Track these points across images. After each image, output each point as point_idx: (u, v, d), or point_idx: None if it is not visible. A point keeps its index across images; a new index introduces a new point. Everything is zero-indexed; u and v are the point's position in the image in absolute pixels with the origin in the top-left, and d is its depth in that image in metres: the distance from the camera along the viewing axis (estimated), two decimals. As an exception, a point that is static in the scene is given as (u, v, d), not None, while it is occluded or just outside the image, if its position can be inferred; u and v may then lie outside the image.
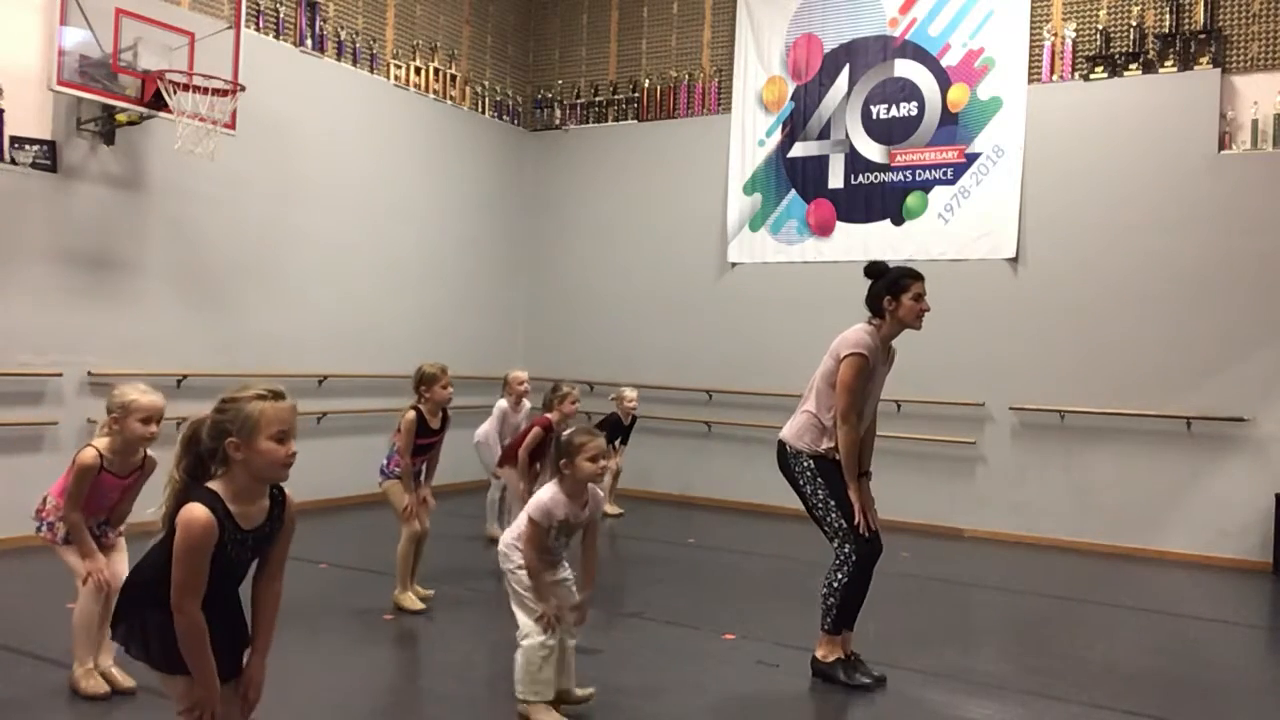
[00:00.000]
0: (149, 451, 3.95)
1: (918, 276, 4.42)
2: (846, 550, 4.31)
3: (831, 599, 4.35)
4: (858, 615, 4.45)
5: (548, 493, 3.68)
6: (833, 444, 4.30)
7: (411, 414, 5.26)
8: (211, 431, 2.38)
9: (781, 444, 4.48)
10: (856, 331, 4.35)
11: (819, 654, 4.42)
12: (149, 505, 2.51)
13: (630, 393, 8.50)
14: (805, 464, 4.36)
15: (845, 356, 4.27)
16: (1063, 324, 8.23)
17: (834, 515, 4.31)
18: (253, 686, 2.49)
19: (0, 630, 4.66)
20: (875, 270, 4.48)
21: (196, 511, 2.31)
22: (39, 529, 3.96)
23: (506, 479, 6.76)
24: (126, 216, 7.21)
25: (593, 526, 3.81)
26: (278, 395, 2.41)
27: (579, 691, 3.83)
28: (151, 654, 2.41)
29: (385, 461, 5.40)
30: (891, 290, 4.38)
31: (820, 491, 4.33)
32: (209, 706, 2.35)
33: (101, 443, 3.83)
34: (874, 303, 4.43)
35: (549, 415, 6.30)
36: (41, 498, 3.98)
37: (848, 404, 4.23)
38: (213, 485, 2.37)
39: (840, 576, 4.33)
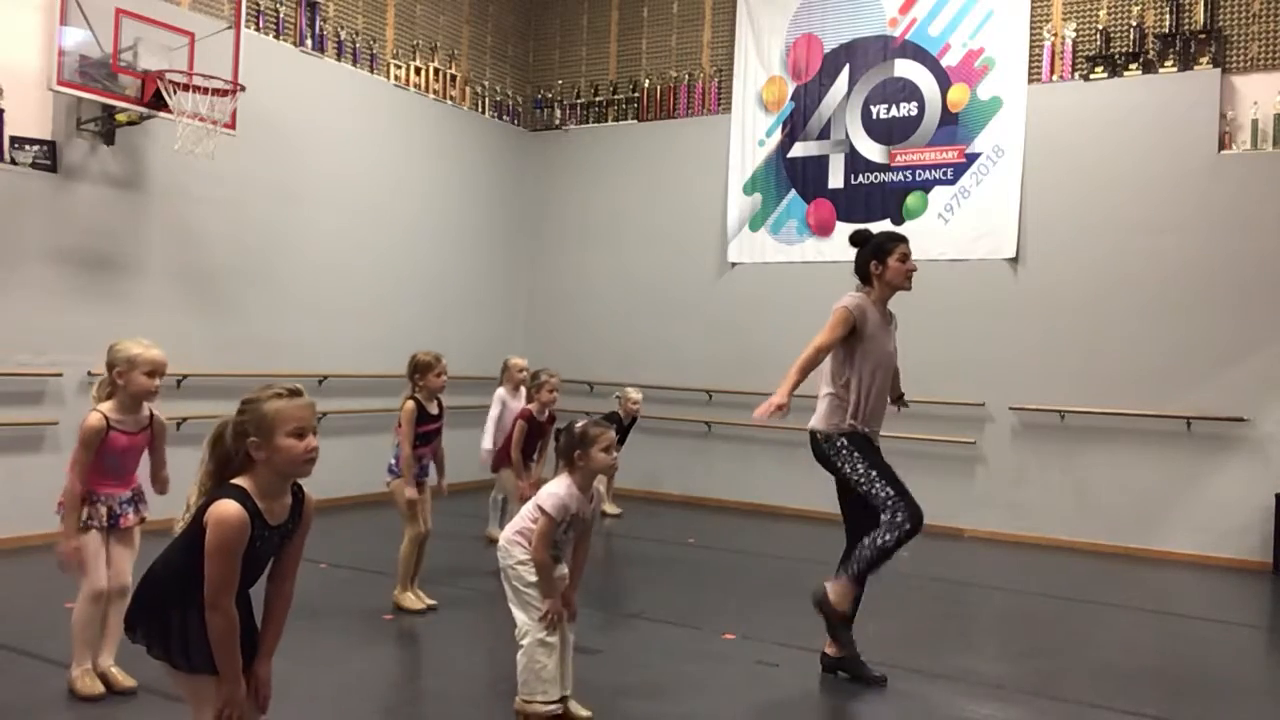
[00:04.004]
0: (154, 412, 3.97)
1: (901, 239, 4.48)
2: (899, 518, 4.24)
3: (868, 551, 4.28)
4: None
5: (562, 486, 3.62)
6: (854, 414, 4.29)
7: (410, 404, 5.28)
8: (234, 433, 2.42)
9: (813, 434, 4.44)
10: (845, 295, 4.40)
11: (831, 596, 4.36)
12: (171, 502, 2.50)
13: (635, 394, 8.49)
14: (839, 444, 4.33)
15: (833, 311, 4.32)
16: (1063, 324, 8.24)
17: (879, 485, 4.28)
18: (263, 685, 2.50)
19: (0, 630, 4.67)
20: (860, 238, 4.54)
21: (230, 508, 2.33)
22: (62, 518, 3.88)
23: (504, 480, 6.77)
24: (126, 216, 7.21)
25: (589, 523, 3.79)
26: (294, 393, 2.45)
27: (580, 711, 3.74)
28: (173, 654, 2.41)
29: (393, 460, 5.39)
30: (877, 254, 4.42)
31: (860, 465, 4.30)
32: (238, 705, 2.36)
33: (104, 405, 3.83)
34: (861, 269, 4.48)
35: (528, 406, 6.37)
36: (63, 489, 3.92)
37: (824, 339, 4.23)
38: (239, 482, 2.40)
39: (888, 538, 4.24)
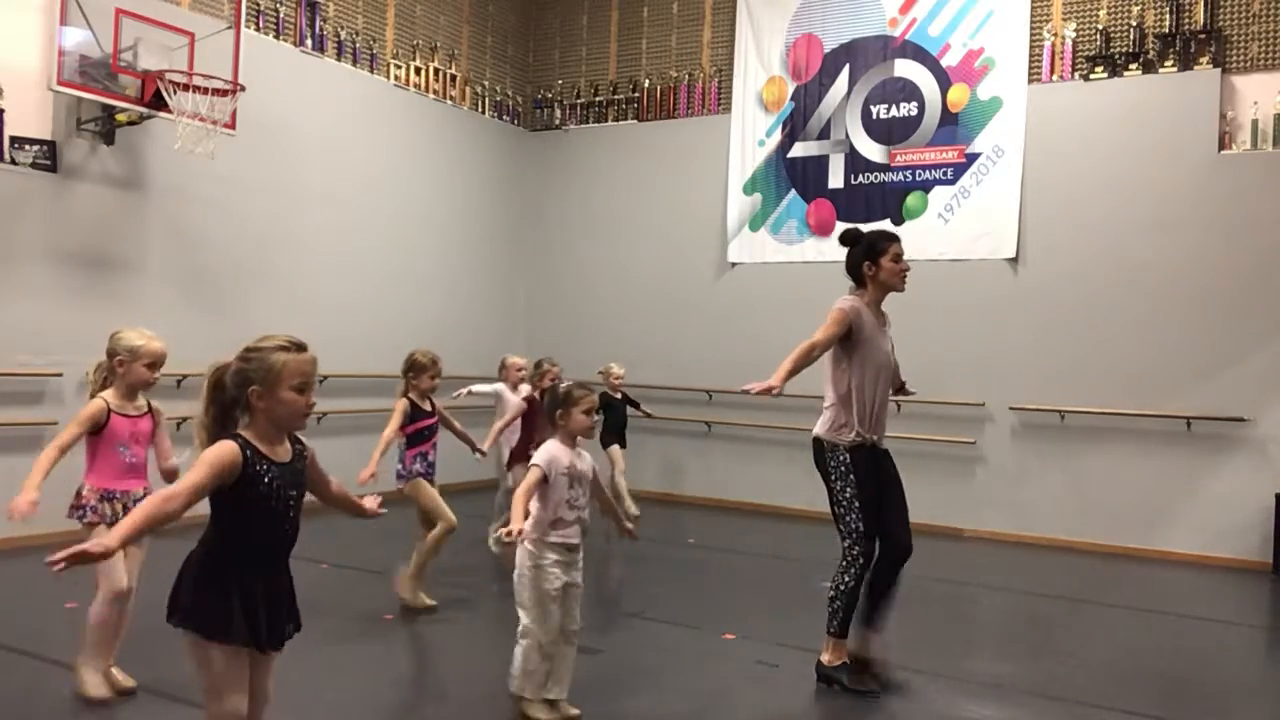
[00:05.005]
0: (150, 400, 3.98)
1: (893, 238, 4.42)
2: (855, 552, 4.28)
3: (838, 601, 4.32)
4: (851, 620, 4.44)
5: (548, 444, 3.74)
6: (860, 422, 4.26)
7: (404, 401, 5.37)
8: (235, 379, 2.44)
9: (817, 440, 4.40)
10: (840, 298, 4.36)
11: (824, 658, 4.39)
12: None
13: (617, 368, 8.62)
14: (841, 458, 4.30)
15: (829, 312, 4.29)
16: (1063, 324, 8.24)
17: (853, 516, 4.27)
18: (374, 512, 2.90)
19: (0, 630, 4.66)
20: (850, 237, 4.48)
21: (225, 441, 2.39)
22: (82, 518, 3.83)
23: (514, 478, 6.78)
24: (126, 216, 7.21)
25: (595, 478, 3.86)
26: (300, 347, 2.49)
27: (569, 709, 3.77)
28: (180, 611, 2.41)
29: (400, 464, 5.42)
30: (869, 255, 4.36)
31: (849, 489, 4.28)
32: (93, 554, 2.15)
33: (105, 393, 3.85)
34: (854, 270, 4.42)
35: (534, 394, 6.47)
36: (75, 491, 3.89)
37: (819, 337, 4.18)
38: (240, 431, 2.45)
39: (847, 579, 4.30)
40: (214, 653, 2.37)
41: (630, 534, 4.12)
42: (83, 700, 3.79)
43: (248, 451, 2.39)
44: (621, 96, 10.55)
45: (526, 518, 3.60)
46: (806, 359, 4.17)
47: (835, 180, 9.32)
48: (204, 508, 2.45)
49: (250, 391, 2.41)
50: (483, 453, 6.04)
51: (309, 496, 2.65)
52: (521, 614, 3.68)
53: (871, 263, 4.35)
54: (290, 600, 2.54)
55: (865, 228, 4.70)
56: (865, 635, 4.40)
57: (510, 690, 3.71)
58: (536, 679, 3.67)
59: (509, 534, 3.46)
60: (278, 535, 2.48)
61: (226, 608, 2.36)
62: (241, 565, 2.41)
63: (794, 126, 9.54)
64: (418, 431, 5.38)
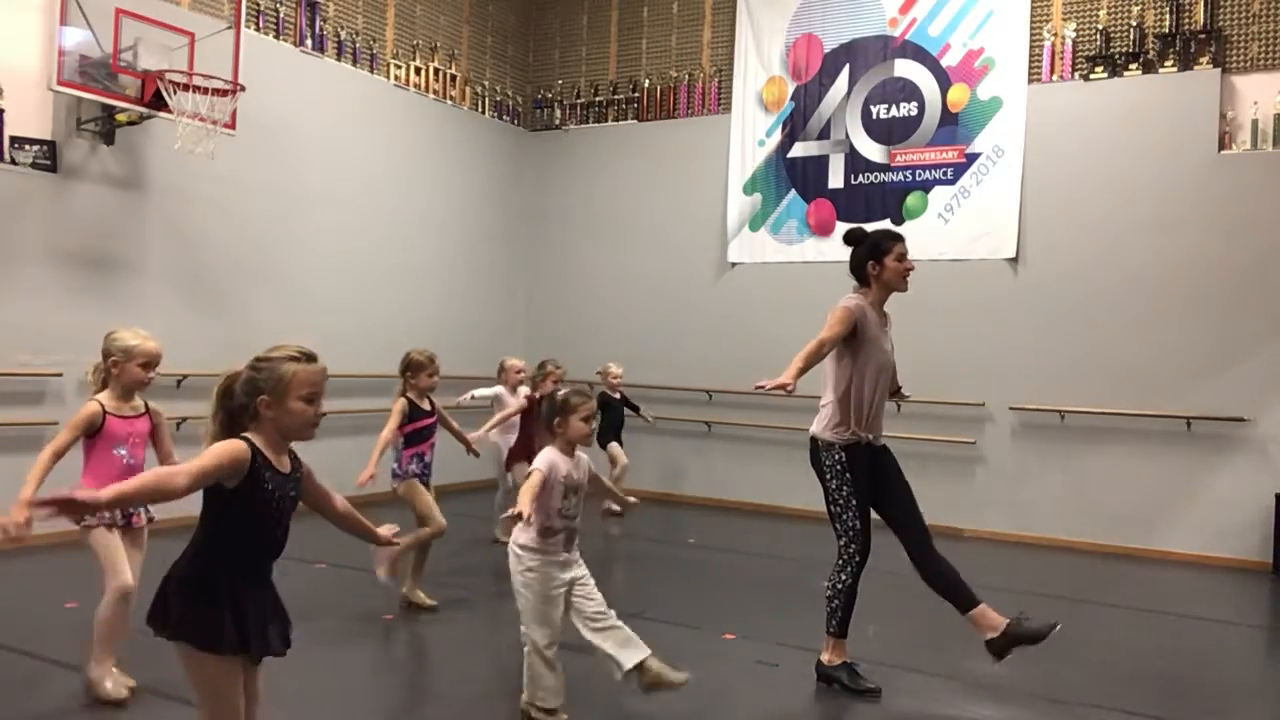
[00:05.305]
0: (148, 402, 3.98)
1: (898, 237, 4.40)
2: (851, 551, 4.29)
3: (836, 601, 4.32)
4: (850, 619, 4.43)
5: (547, 451, 3.74)
6: (857, 421, 4.26)
7: (402, 401, 5.35)
8: (245, 388, 2.45)
9: (813, 439, 4.40)
10: (844, 297, 4.35)
11: (824, 658, 4.39)
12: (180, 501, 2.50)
13: (616, 368, 8.66)
14: (837, 457, 4.30)
15: (832, 310, 4.27)
16: (1063, 324, 8.24)
17: (850, 514, 4.28)
18: (388, 540, 2.87)
19: (0, 630, 4.66)
20: (855, 237, 4.46)
21: (234, 440, 2.40)
22: (80, 519, 3.72)
23: (514, 477, 6.80)
24: (126, 216, 7.21)
25: (595, 478, 3.88)
26: (310, 357, 2.49)
27: (673, 676, 3.68)
28: (171, 625, 2.40)
29: (396, 465, 5.42)
30: (874, 254, 4.34)
31: (845, 488, 4.28)
32: (79, 505, 2.16)
33: (101, 395, 3.86)
34: (858, 270, 4.40)
35: (534, 394, 6.48)
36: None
37: (827, 334, 4.14)
38: (247, 435, 2.45)
39: (844, 578, 4.30)
40: (207, 661, 2.38)
41: (624, 504, 4.27)
42: (93, 702, 3.76)
43: (255, 454, 2.40)
44: (621, 96, 10.55)
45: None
46: (816, 356, 4.14)
47: (835, 180, 9.33)
48: (195, 507, 2.45)
49: (259, 400, 2.42)
50: (475, 453, 6.00)
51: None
52: (521, 623, 3.68)
53: (876, 262, 4.34)
54: (280, 606, 2.55)
55: (868, 228, 4.69)
56: (978, 616, 4.15)
57: (523, 700, 3.66)
58: (546, 685, 3.62)
59: (516, 514, 3.44)
60: (270, 542, 2.48)
61: (218, 617, 2.36)
62: (231, 570, 2.41)
63: (794, 126, 9.55)
64: (416, 431, 5.38)
